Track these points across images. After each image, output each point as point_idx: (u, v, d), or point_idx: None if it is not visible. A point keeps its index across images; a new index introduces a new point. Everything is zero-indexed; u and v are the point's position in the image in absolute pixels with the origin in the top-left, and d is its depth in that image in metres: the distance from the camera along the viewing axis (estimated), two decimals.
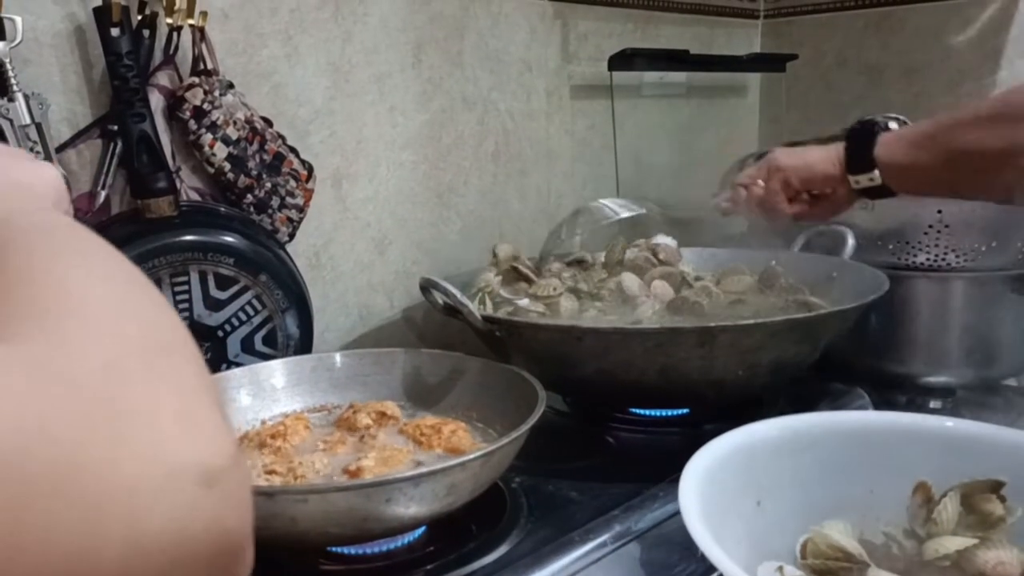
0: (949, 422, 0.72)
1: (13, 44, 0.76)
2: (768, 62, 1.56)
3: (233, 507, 0.26)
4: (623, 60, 1.28)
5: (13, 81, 0.75)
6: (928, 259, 1.07)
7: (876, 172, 0.90)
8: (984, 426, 0.70)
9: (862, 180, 0.92)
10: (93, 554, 0.22)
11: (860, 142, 0.91)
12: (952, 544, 0.63)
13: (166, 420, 0.25)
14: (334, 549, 0.68)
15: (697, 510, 0.58)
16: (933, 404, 1.12)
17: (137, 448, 0.24)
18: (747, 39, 1.65)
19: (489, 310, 0.98)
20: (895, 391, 1.12)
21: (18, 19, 0.76)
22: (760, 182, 0.98)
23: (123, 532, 0.23)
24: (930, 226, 1.05)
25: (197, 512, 0.25)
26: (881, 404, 1.06)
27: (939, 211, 1.05)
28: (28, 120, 0.76)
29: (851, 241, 1.05)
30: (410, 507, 0.61)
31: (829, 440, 0.72)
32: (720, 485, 0.64)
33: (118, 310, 0.30)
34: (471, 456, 0.63)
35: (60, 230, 0.36)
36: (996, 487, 0.65)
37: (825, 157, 0.94)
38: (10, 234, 0.34)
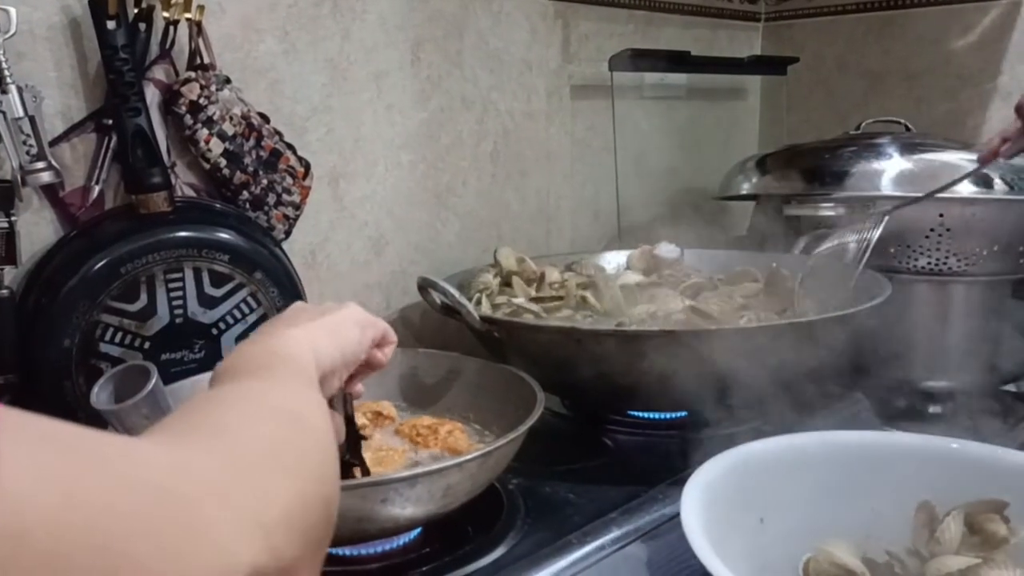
0: (953, 443, 0.72)
1: (7, 36, 0.75)
2: (769, 65, 1.56)
3: None
4: (624, 61, 1.27)
5: (7, 73, 0.74)
6: (929, 263, 1.06)
7: None
8: (988, 447, 0.70)
9: None
10: None
11: None
12: (955, 564, 0.62)
13: (237, 531, 0.28)
14: (329, 550, 0.67)
15: (699, 525, 0.57)
16: (933, 409, 1.12)
17: (203, 551, 0.26)
18: (748, 41, 1.64)
19: (487, 310, 0.97)
20: (895, 395, 1.11)
21: (12, 10, 0.75)
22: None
23: None
24: (931, 230, 1.04)
25: None
26: (881, 408, 1.06)
27: (940, 215, 1.04)
28: (21, 113, 0.75)
29: (853, 245, 1.04)
30: (406, 508, 0.60)
31: (832, 459, 0.72)
32: (722, 501, 0.63)
33: (248, 437, 0.35)
34: (468, 457, 0.62)
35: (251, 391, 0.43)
36: (999, 507, 0.64)
37: None
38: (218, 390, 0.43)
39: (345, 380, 0.55)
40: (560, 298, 1.01)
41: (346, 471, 0.62)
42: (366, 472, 0.64)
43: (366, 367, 0.58)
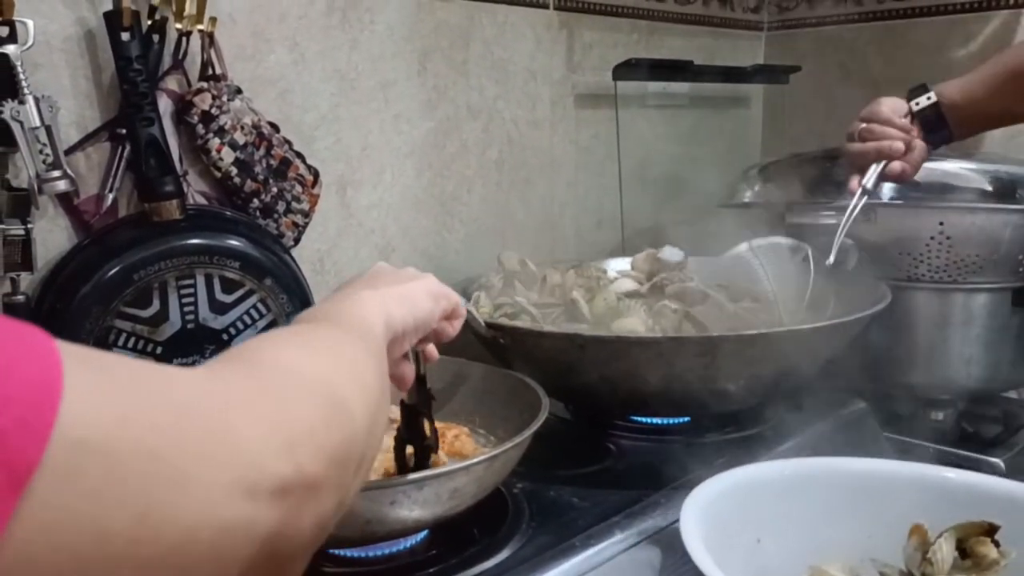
0: (949, 472, 0.74)
1: (24, 47, 0.76)
2: (771, 74, 1.57)
3: (297, 522, 0.31)
4: (627, 70, 1.29)
5: (24, 84, 0.76)
6: (929, 271, 1.07)
7: (932, 93, 1.00)
8: (982, 476, 0.72)
9: (921, 101, 1.00)
10: (166, 529, 0.27)
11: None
12: None
13: (263, 444, 0.31)
14: (337, 551, 0.69)
15: (700, 540, 0.59)
16: (934, 415, 1.13)
17: (232, 461, 0.29)
18: (751, 50, 1.66)
19: (486, 308, 0.99)
20: (896, 402, 1.12)
21: (30, 23, 0.77)
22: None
23: (205, 523, 0.28)
24: (931, 238, 1.05)
25: (264, 519, 0.30)
26: (882, 415, 1.07)
27: (940, 223, 1.05)
28: (38, 123, 0.76)
29: (854, 253, 1.06)
30: (413, 510, 0.61)
31: (829, 484, 0.74)
32: (720, 520, 0.65)
33: (286, 366, 0.38)
34: (474, 460, 0.63)
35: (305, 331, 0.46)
36: (991, 531, 0.65)
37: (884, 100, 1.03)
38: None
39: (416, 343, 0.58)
40: (559, 305, 1.02)
41: (416, 422, 0.65)
42: (433, 427, 0.66)
43: (435, 336, 0.61)
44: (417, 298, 0.56)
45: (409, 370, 0.61)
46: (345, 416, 0.37)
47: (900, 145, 0.99)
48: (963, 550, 0.66)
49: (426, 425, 0.66)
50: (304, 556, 0.33)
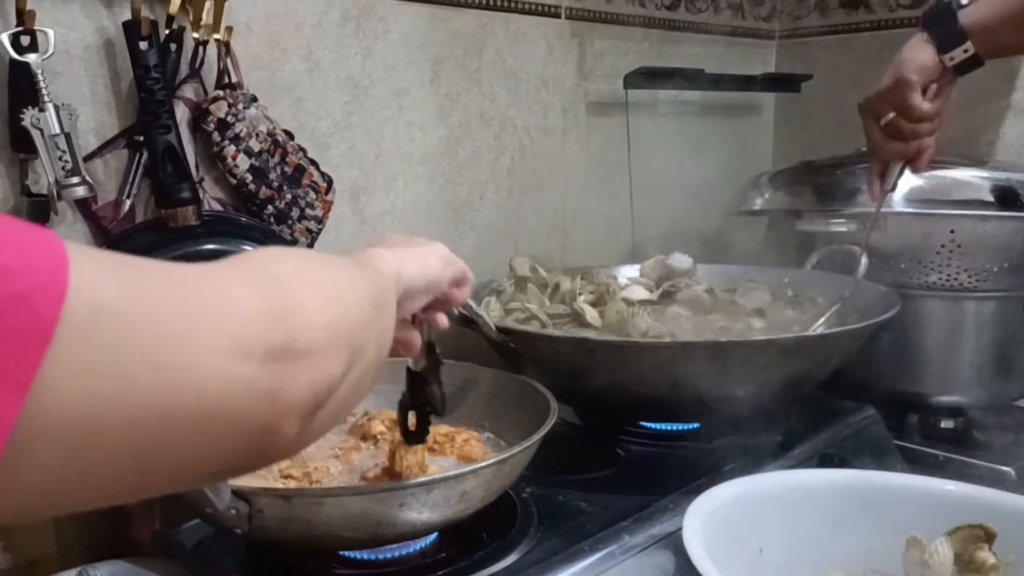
0: (949, 485, 0.74)
1: (45, 56, 0.78)
2: (783, 82, 1.57)
3: (289, 384, 0.34)
4: (639, 78, 1.29)
5: (44, 92, 0.77)
6: (940, 279, 1.07)
7: (968, 43, 0.91)
8: (983, 490, 0.73)
9: (956, 55, 0.93)
10: (167, 388, 0.30)
11: (941, 21, 0.93)
12: None
13: (255, 312, 0.34)
14: (348, 554, 0.69)
15: (703, 549, 0.60)
16: (944, 424, 1.13)
17: (228, 326, 0.33)
18: (762, 59, 1.66)
19: (497, 312, 0.99)
20: (906, 410, 1.12)
21: (50, 32, 0.78)
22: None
23: (212, 377, 0.31)
24: (942, 246, 1.06)
25: (261, 379, 0.33)
26: (892, 423, 1.07)
27: (952, 231, 1.05)
28: (58, 130, 0.78)
29: (864, 260, 1.06)
30: (423, 513, 0.62)
31: (831, 496, 0.74)
32: (722, 530, 0.66)
33: (288, 262, 0.41)
34: (483, 464, 0.64)
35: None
36: (989, 536, 0.66)
37: (912, 54, 0.95)
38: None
39: (423, 309, 0.60)
40: (568, 314, 1.03)
41: (420, 388, 0.66)
42: (442, 393, 0.67)
43: (444, 301, 0.62)
44: (428, 258, 0.58)
45: (416, 337, 0.63)
46: (338, 305, 0.40)
47: (930, 144, 0.97)
48: (959, 555, 0.67)
49: (435, 389, 0.66)
50: (299, 421, 0.35)
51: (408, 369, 0.66)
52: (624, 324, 0.98)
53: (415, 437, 0.67)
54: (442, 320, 0.65)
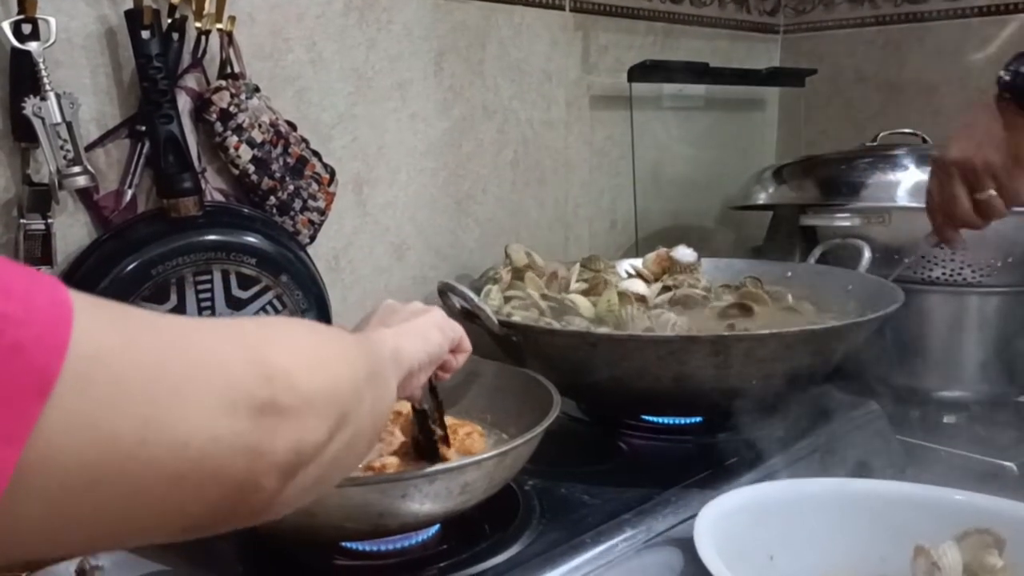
0: (958, 495, 0.74)
1: (47, 45, 0.77)
2: (787, 76, 1.57)
3: (271, 442, 0.35)
4: (643, 72, 1.29)
5: (46, 80, 0.77)
6: (943, 274, 1.07)
7: None
8: (992, 499, 0.73)
9: None
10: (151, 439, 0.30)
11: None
12: None
13: (246, 370, 0.35)
14: (349, 545, 0.69)
15: (715, 552, 0.60)
16: (947, 419, 1.13)
17: (217, 382, 0.33)
18: (767, 53, 1.66)
19: (497, 301, 0.99)
20: (909, 405, 1.12)
21: (52, 20, 0.78)
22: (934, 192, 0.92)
23: (196, 433, 0.32)
24: None
25: (246, 434, 0.34)
26: (895, 418, 1.06)
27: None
28: (59, 119, 0.77)
29: (867, 254, 1.06)
30: (425, 504, 0.62)
31: (843, 505, 0.75)
32: (733, 536, 0.66)
33: (275, 324, 0.42)
34: (486, 455, 0.64)
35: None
36: (997, 543, 0.66)
37: (987, 127, 0.88)
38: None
39: None
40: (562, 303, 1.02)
41: (424, 424, 0.68)
42: (443, 425, 0.69)
43: (439, 368, 0.63)
44: (429, 332, 0.59)
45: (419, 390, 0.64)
46: (326, 372, 0.40)
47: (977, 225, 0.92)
48: (967, 565, 0.67)
49: (436, 427, 0.68)
50: (279, 479, 0.36)
51: (413, 408, 0.69)
52: (613, 315, 0.97)
53: (429, 456, 0.69)
54: (442, 376, 0.66)
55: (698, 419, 0.96)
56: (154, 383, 0.31)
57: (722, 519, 0.68)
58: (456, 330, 0.64)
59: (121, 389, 0.30)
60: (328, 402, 0.39)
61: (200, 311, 0.85)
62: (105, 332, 0.30)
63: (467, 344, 0.66)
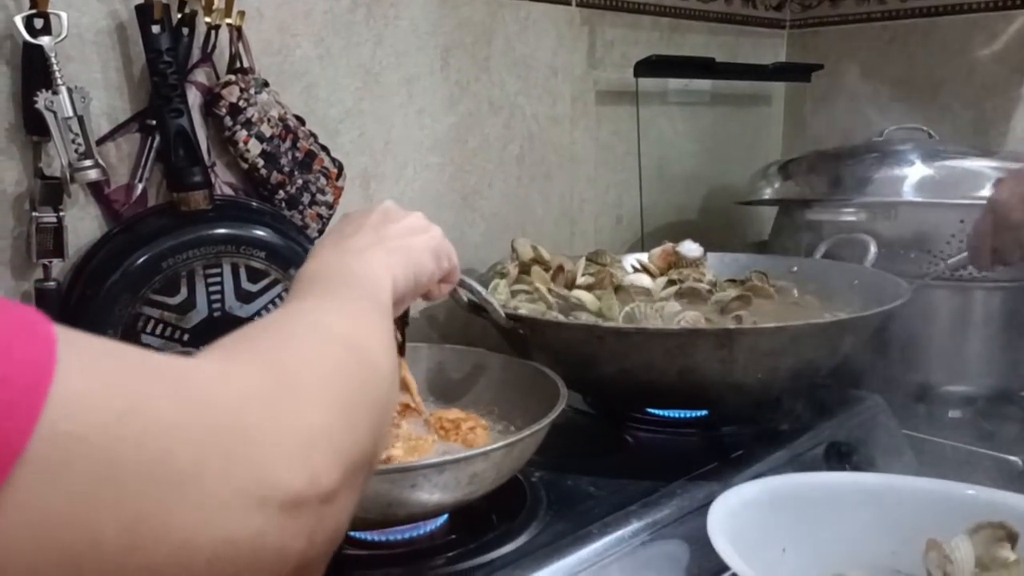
0: (970, 489, 0.74)
1: (58, 39, 0.78)
2: (793, 72, 1.57)
3: (308, 536, 0.29)
4: (649, 67, 1.29)
5: (57, 75, 0.78)
6: (950, 268, 1.07)
7: None
8: (1005, 494, 0.73)
9: None
10: (176, 541, 0.25)
11: None
12: None
13: (277, 450, 0.28)
14: (358, 534, 0.70)
15: (727, 541, 0.60)
16: (952, 413, 1.13)
17: (242, 467, 0.27)
18: (773, 48, 1.66)
19: (505, 295, 1.00)
20: (914, 399, 1.12)
21: (63, 15, 0.78)
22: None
23: (206, 533, 0.26)
24: (952, 235, 1.06)
25: (272, 533, 0.27)
26: (900, 411, 1.07)
27: (961, 220, 1.05)
28: (71, 113, 0.78)
29: (873, 249, 1.06)
30: (434, 494, 0.63)
31: (855, 500, 0.75)
32: (745, 528, 0.66)
33: (303, 361, 0.35)
34: (493, 447, 0.65)
35: (318, 313, 0.43)
36: (1011, 537, 0.66)
37: None
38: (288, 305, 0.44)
39: None
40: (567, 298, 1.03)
41: None
42: (402, 343, 0.68)
43: (425, 295, 0.61)
44: (422, 259, 0.57)
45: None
46: (369, 421, 0.35)
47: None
48: (980, 559, 0.67)
49: (397, 333, 0.64)
50: (317, 569, 0.31)
51: None
52: (612, 310, 0.98)
53: None
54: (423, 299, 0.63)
55: (704, 412, 0.96)
56: (152, 469, 0.24)
57: (734, 512, 0.68)
58: (451, 259, 0.61)
59: (103, 478, 0.23)
60: (361, 466, 0.33)
61: (210, 304, 0.85)
62: (96, 397, 0.24)
63: (456, 276, 0.63)
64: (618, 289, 1.01)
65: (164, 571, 0.25)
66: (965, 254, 0.98)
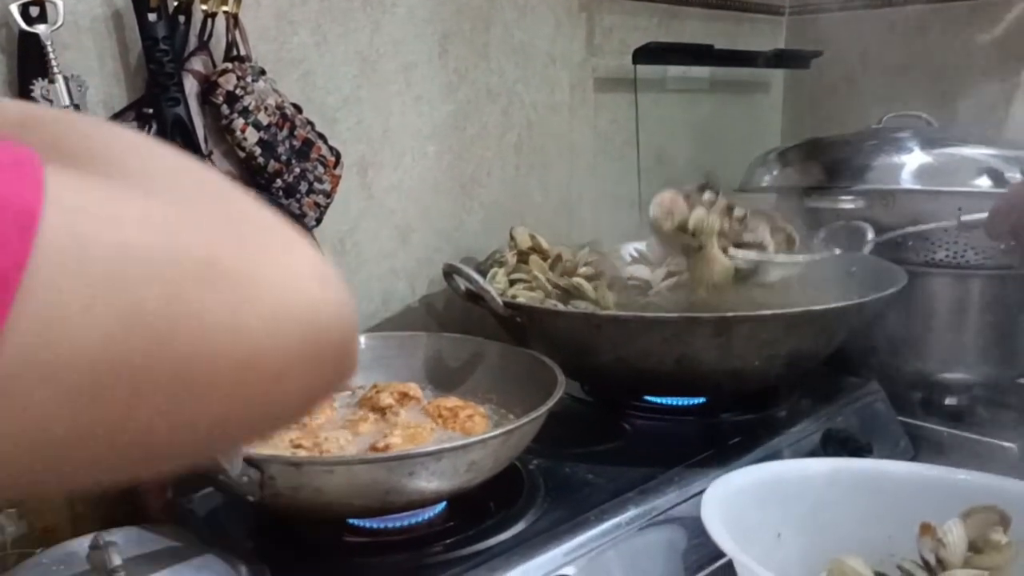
0: (964, 474, 0.75)
1: (54, 27, 0.78)
2: (792, 59, 1.57)
3: (344, 304, 0.29)
4: (647, 54, 1.29)
5: (54, 63, 0.77)
6: (947, 256, 1.07)
7: None
8: (998, 478, 0.74)
9: None
10: (242, 336, 0.26)
11: None
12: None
13: (287, 233, 0.29)
14: (357, 522, 0.70)
15: (722, 526, 0.60)
16: (949, 401, 1.13)
17: (274, 253, 0.28)
18: (772, 35, 1.65)
19: (503, 284, 1.00)
20: (911, 387, 1.13)
21: (59, 3, 0.78)
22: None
23: (269, 321, 0.26)
24: (951, 223, 1.06)
25: (323, 305, 0.28)
26: (897, 399, 1.07)
27: (959, 208, 1.05)
28: (68, 102, 0.78)
29: (870, 236, 1.06)
30: (432, 481, 0.63)
31: (850, 485, 0.75)
32: (740, 513, 0.67)
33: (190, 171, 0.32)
34: (491, 434, 0.65)
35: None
36: (1003, 521, 0.66)
37: None
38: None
39: None
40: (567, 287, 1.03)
41: None
42: None
43: None
44: None
45: None
46: None
47: None
48: (974, 542, 0.67)
49: None
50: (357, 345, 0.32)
51: None
52: (606, 301, 0.98)
53: None
54: None
55: (701, 399, 0.97)
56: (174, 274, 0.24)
57: (729, 497, 0.68)
58: None
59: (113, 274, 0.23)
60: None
61: None
62: (99, 206, 0.24)
63: None
64: (612, 285, 1.01)
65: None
66: (984, 215, 0.97)
